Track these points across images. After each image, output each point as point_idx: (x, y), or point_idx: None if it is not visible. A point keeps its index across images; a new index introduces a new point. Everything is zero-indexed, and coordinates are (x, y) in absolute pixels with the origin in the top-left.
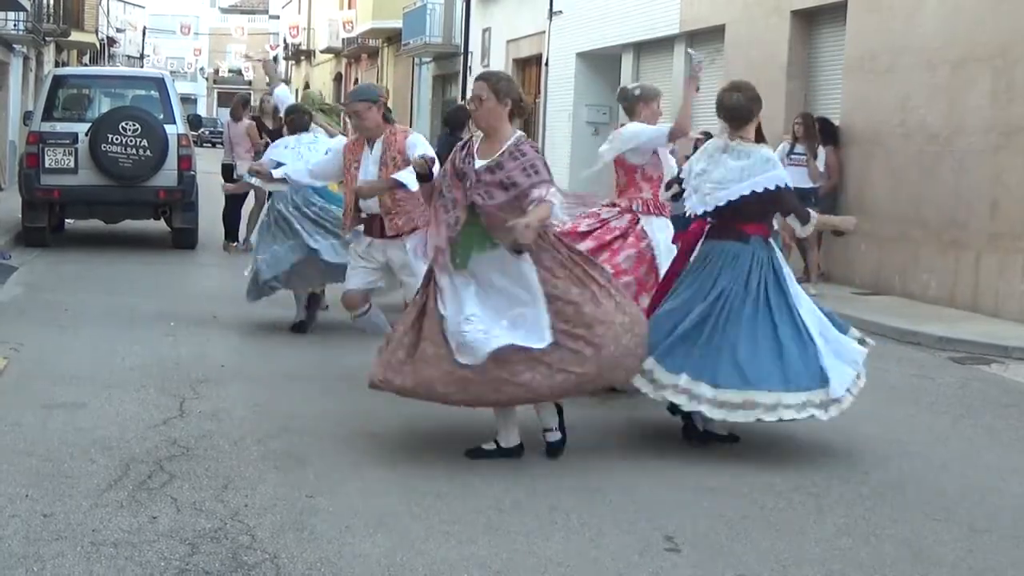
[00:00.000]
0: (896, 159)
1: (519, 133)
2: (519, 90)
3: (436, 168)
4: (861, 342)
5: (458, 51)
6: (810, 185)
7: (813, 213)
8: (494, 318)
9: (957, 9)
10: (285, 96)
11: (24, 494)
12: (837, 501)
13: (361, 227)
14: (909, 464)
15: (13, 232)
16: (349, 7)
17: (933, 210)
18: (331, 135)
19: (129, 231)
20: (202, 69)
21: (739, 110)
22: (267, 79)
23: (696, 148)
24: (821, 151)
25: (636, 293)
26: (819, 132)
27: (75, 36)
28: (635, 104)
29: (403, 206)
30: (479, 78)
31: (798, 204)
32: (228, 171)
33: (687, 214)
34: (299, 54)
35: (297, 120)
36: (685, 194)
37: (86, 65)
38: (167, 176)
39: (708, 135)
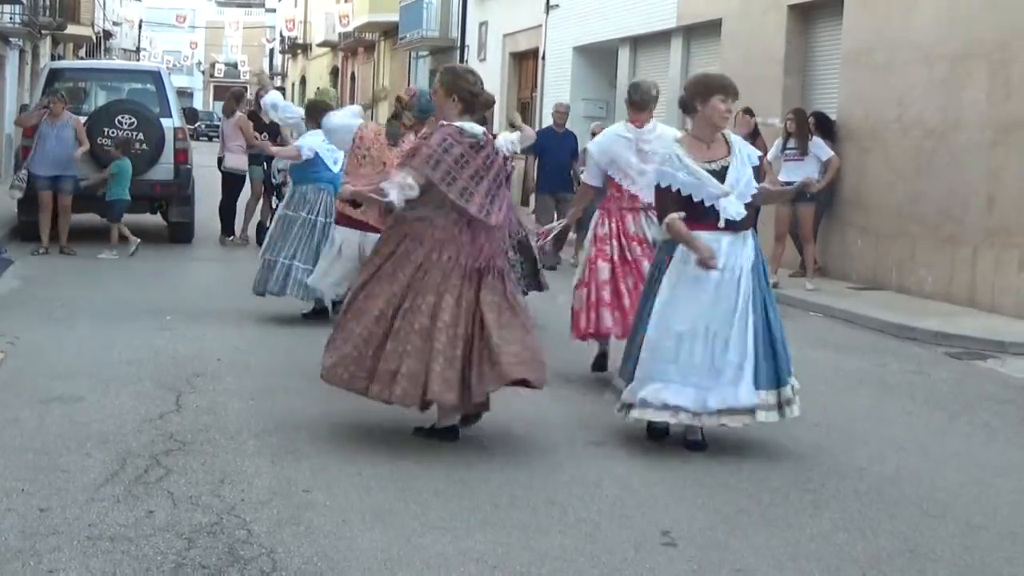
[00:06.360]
0: (893, 154)
1: None
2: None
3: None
4: None
5: (455, 45)
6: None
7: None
8: None
9: (954, 4)
10: (275, 101)
11: (20, 488)
12: (833, 496)
13: None
14: (905, 460)
15: (9, 226)
16: (346, 1)
17: (930, 205)
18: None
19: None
20: (199, 63)
21: None
22: (260, 86)
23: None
24: (822, 145)
25: None
26: (815, 127)
27: (71, 29)
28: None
29: None
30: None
31: None
32: (219, 164)
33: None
34: (295, 48)
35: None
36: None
37: (82, 58)
38: (163, 170)
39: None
